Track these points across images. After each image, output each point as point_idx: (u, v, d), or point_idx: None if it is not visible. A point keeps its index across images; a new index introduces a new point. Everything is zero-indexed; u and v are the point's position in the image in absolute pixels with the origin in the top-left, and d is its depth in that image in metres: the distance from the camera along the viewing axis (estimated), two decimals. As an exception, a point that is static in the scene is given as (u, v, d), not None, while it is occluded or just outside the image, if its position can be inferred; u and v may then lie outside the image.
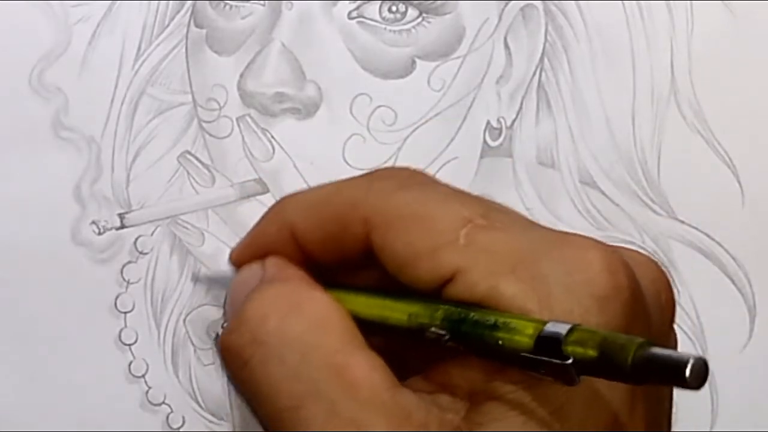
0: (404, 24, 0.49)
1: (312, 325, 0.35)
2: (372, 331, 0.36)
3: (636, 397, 0.33)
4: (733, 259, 0.49)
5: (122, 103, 0.48)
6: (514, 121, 0.50)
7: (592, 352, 0.30)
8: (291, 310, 0.35)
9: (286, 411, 0.34)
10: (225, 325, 0.37)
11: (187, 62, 0.49)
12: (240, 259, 0.42)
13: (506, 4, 0.49)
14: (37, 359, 0.47)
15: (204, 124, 0.49)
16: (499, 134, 0.50)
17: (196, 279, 0.47)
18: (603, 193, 0.49)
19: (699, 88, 0.49)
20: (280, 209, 0.40)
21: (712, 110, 0.49)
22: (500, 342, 0.32)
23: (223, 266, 0.48)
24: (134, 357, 0.48)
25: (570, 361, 0.30)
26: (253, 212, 0.48)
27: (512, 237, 0.35)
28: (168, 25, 0.49)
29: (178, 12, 0.49)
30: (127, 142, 0.48)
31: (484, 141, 0.50)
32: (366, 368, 0.34)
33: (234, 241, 0.48)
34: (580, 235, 0.35)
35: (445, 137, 0.49)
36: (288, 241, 0.39)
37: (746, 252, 0.49)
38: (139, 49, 0.49)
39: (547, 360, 0.31)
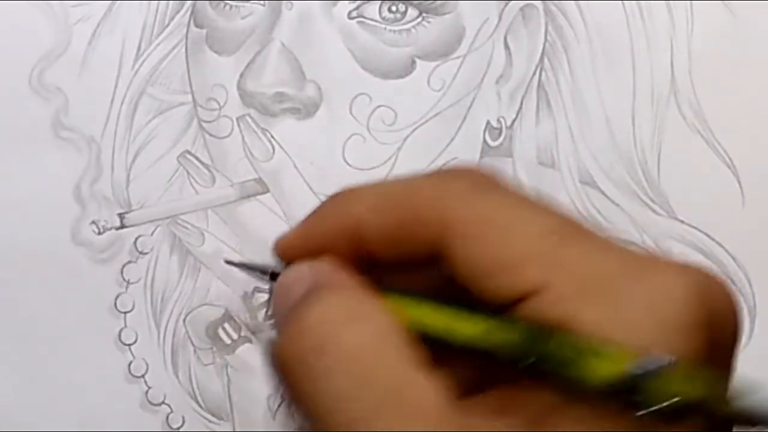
0: (404, 24, 0.49)
1: (375, 338, 0.34)
2: (435, 343, 0.35)
3: None
4: (733, 259, 0.49)
5: (122, 103, 0.48)
6: (514, 121, 0.50)
7: (689, 391, 0.29)
8: (353, 320, 0.33)
9: (347, 426, 0.33)
10: (278, 332, 0.36)
11: (187, 62, 0.49)
12: (287, 249, 0.38)
13: (506, 4, 0.49)
14: (37, 359, 0.47)
15: (204, 124, 0.49)
16: (499, 134, 0.50)
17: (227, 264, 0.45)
18: (603, 193, 0.49)
19: (699, 88, 0.49)
20: (344, 199, 0.37)
21: (712, 110, 0.49)
22: (589, 370, 0.30)
23: (226, 266, 0.48)
24: (134, 357, 0.48)
25: (674, 400, 0.30)
26: (253, 212, 0.48)
27: (597, 256, 0.33)
28: (168, 25, 0.49)
29: (178, 12, 0.49)
30: (127, 142, 0.48)
31: (484, 141, 0.50)
32: (430, 387, 0.33)
33: (234, 241, 0.48)
34: (665, 259, 0.34)
35: (445, 137, 0.49)
36: (348, 235, 0.36)
37: (746, 252, 0.49)
38: (139, 49, 0.49)
39: (639, 399, 0.30)
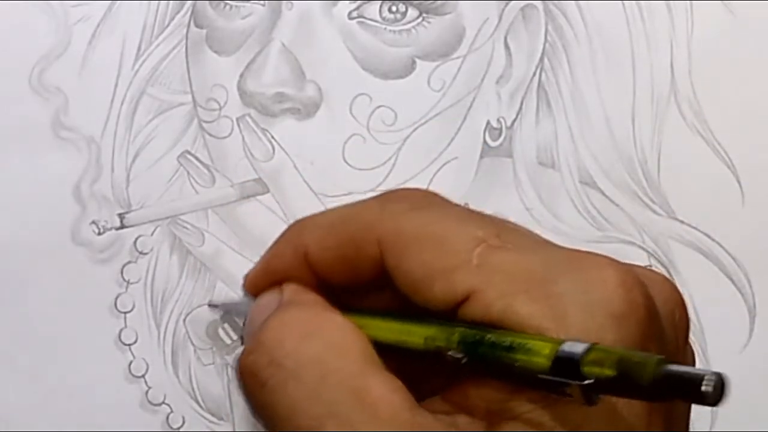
0: (404, 24, 0.49)
1: (330, 347, 0.35)
2: (389, 354, 0.36)
3: (653, 414, 0.33)
4: (733, 259, 0.49)
5: (122, 103, 0.48)
6: (514, 121, 0.50)
7: (609, 371, 0.30)
8: (309, 332, 0.36)
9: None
10: (243, 348, 0.38)
11: (187, 62, 0.49)
12: (254, 284, 0.42)
13: (506, 4, 0.49)
14: (37, 359, 0.47)
15: (204, 124, 0.49)
16: (499, 134, 0.50)
17: (210, 306, 0.48)
18: (603, 193, 0.49)
19: (699, 88, 0.49)
20: (294, 233, 0.40)
21: (712, 110, 0.49)
22: (517, 363, 0.32)
23: (226, 266, 0.48)
24: (134, 357, 0.48)
25: (589, 381, 0.31)
26: (253, 212, 0.48)
27: (526, 257, 0.35)
28: (168, 25, 0.49)
29: (178, 12, 0.49)
30: (127, 142, 0.48)
31: (484, 141, 0.50)
32: (384, 390, 0.34)
33: (234, 241, 0.48)
34: (594, 254, 0.35)
35: (445, 137, 0.49)
36: (302, 264, 0.39)
37: (746, 252, 0.49)
38: (139, 49, 0.49)
39: (565, 381, 0.31)
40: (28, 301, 0.47)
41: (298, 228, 0.40)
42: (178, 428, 0.48)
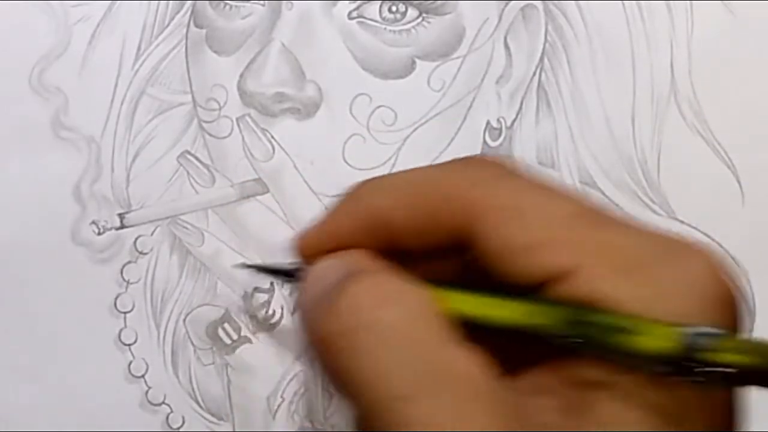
0: (404, 24, 0.49)
1: (412, 317, 0.33)
2: (469, 329, 0.35)
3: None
4: (733, 259, 0.49)
5: (122, 103, 0.48)
6: (514, 121, 0.50)
7: (748, 359, 0.30)
8: (392, 299, 0.33)
9: (399, 400, 0.32)
10: (309, 317, 0.35)
11: (187, 62, 0.49)
12: (310, 246, 0.37)
13: (506, 4, 0.49)
14: (37, 359, 0.47)
15: (204, 124, 0.49)
16: (499, 134, 0.50)
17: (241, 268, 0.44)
18: (603, 193, 0.49)
19: (699, 88, 0.49)
20: (365, 193, 0.37)
21: (712, 110, 0.49)
22: (638, 348, 0.31)
23: (225, 266, 0.48)
24: (134, 357, 0.48)
25: (730, 369, 0.30)
26: (253, 212, 0.48)
27: (629, 238, 0.33)
28: (168, 25, 0.49)
29: (178, 12, 0.49)
30: (127, 142, 0.48)
31: (484, 141, 0.50)
32: (470, 363, 0.33)
33: (234, 241, 0.48)
34: (690, 241, 0.34)
35: (445, 137, 0.49)
36: (373, 229, 0.36)
37: (746, 252, 0.49)
38: (139, 49, 0.49)
39: (696, 367, 0.31)
40: (28, 301, 0.47)
41: (368, 187, 0.37)
42: (178, 428, 0.48)
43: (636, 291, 0.32)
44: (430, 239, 0.36)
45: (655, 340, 0.31)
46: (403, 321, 0.33)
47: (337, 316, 0.33)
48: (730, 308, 0.33)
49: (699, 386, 0.31)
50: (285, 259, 0.38)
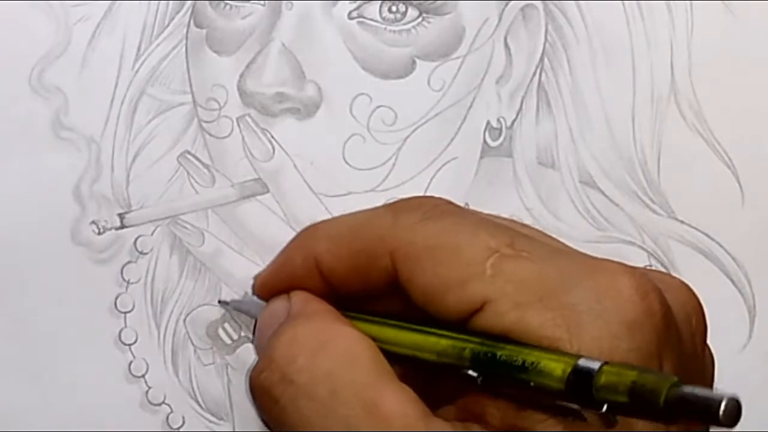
0: (404, 24, 0.49)
1: (341, 361, 0.35)
2: (401, 362, 0.36)
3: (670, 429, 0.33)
4: (733, 259, 0.49)
5: (122, 103, 0.48)
6: (514, 121, 0.50)
7: (623, 398, 0.30)
8: (319, 347, 0.35)
9: None
10: (254, 363, 0.38)
11: (187, 62, 0.49)
12: (264, 288, 0.42)
13: (506, 4, 0.49)
14: (36, 359, 0.47)
15: (204, 124, 0.49)
16: (499, 134, 0.50)
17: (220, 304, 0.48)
18: (603, 193, 0.49)
19: (699, 88, 0.49)
20: (305, 240, 0.41)
21: (712, 110, 0.49)
22: (531, 384, 0.32)
23: (225, 266, 0.48)
24: (134, 357, 0.48)
25: (604, 409, 0.30)
26: (253, 212, 0.48)
27: (539, 266, 0.34)
28: (168, 25, 0.49)
29: (178, 12, 0.49)
30: (127, 142, 0.48)
31: (484, 141, 0.50)
32: (397, 401, 0.33)
33: (234, 241, 0.48)
34: (609, 261, 0.35)
35: (445, 137, 0.49)
36: (313, 271, 0.39)
37: (746, 252, 0.49)
38: (139, 49, 0.49)
39: (577, 407, 0.31)
40: (28, 301, 0.47)
41: (308, 235, 0.40)
42: (178, 428, 0.48)
43: (546, 319, 0.33)
44: (365, 281, 0.38)
45: (545, 379, 0.32)
46: (332, 366, 0.35)
47: (267, 368, 0.36)
48: (646, 328, 0.33)
49: (587, 424, 0.31)
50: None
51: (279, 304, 0.40)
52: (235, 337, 0.48)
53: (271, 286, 0.41)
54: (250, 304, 0.43)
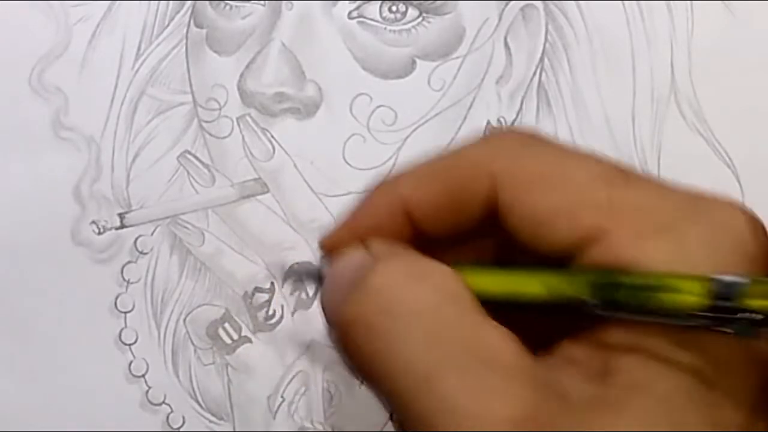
0: (404, 24, 0.49)
1: (441, 295, 0.32)
2: (493, 309, 0.34)
3: None
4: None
5: (122, 103, 0.48)
6: (514, 121, 0.50)
7: None
8: (418, 279, 0.33)
9: (424, 382, 0.32)
10: (335, 300, 0.35)
11: (187, 62, 0.49)
12: (337, 243, 0.37)
13: (506, 4, 0.50)
14: (37, 359, 0.47)
15: (204, 124, 0.49)
16: (499, 134, 0.50)
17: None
18: (603, 193, 0.49)
19: (699, 88, 0.49)
20: (388, 187, 0.36)
21: (712, 110, 0.49)
22: (666, 304, 0.30)
23: (225, 265, 0.48)
24: (134, 357, 0.48)
25: (757, 315, 0.29)
26: (253, 212, 0.48)
27: (655, 198, 0.33)
28: (168, 25, 0.49)
29: (178, 12, 0.49)
30: (127, 142, 0.48)
31: (484, 141, 0.49)
32: (501, 339, 0.32)
33: (234, 240, 0.48)
34: (720, 197, 0.34)
35: (445, 137, 0.49)
36: (397, 218, 0.36)
37: (746, 252, 0.49)
38: (139, 49, 0.49)
39: (727, 317, 0.30)
40: (28, 301, 0.47)
41: (392, 182, 0.36)
42: (178, 428, 0.48)
43: (664, 251, 0.32)
44: (457, 219, 0.35)
45: (683, 295, 0.30)
46: (432, 300, 0.32)
47: (364, 297, 0.33)
48: (762, 262, 0.32)
49: (730, 338, 0.30)
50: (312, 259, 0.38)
51: (356, 253, 0.35)
52: (235, 337, 0.48)
53: (346, 241, 0.36)
54: (314, 269, 0.38)
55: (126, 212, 0.48)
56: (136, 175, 0.48)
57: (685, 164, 0.50)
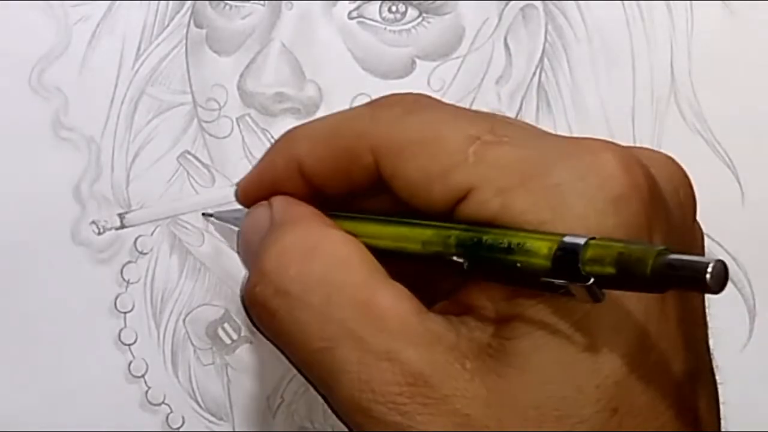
0: (404, 24, 0.49)
1: (332, 265, 0.35)
2: (393, 260, 0.35)
3: (666, 306, 0.33)
4: (733, 259, 0.49)
5: (122, 103, 0.48)
6: (514, 121, 0.50)
7: (610, 269, 0.30)
8: (309, 253, 0.35)
9: (319, 353, 0.34)
10: (245, 277, 0.38)
11: (187, 62, 0.49)
12: (247, 193, 0.42)
13: (506, 4, 0.50)
14: (37, 359, 0.47)
15: (204, 124, 0.49)
16: (499, 134, 0.50)
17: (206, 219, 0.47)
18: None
19: (699, 88, 0.49)
20: (286, 144, 0.40)
21: (712, 110, 0.49)
22: (518, 265, 0.31)
23: (226, 266, 0.48)
24: (134, 357, 0.48)
25: (591, 282, 0.30)
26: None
27: (521, 149, 0.34)
28: (168, 25, 0.49)
29: (178, 12, 0.49)
30: (127, 142, 0.48)
31: (484, 141, 0.49)
32: (391, 299, 0.34)
33: (234, 241, 0.48)
34: (592, 139, 0.34)
35: (445, 137, 0.49)
36: (295, 174, 0.39)
37: (746, 252, 0.49)
38: (139, 49, 0.49)
39: (565, 282, 0.31)
40: (28, 301, 0.47)
41: (289, 138, 0.40)
42: (178, 428, 0.48)
43: (527, 200, 0.33)
44: (348, 181, 0.38)
45: (532, 258, 0.31)
46: (324, 271, 0.35)
47: (260, 279, 0.36)
48: (632, 202, 0.32)
49: (575, 299, 0.31)
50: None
51: (261, 212, 0.40)
52: (235, 337, 0.48)
53: (253, 192, 0.41)
54: (233, 213, 0.43)
55: (126, 212, 0.48)
56: (136, 175, 0.48)
57: (684, 164, 0.49)
